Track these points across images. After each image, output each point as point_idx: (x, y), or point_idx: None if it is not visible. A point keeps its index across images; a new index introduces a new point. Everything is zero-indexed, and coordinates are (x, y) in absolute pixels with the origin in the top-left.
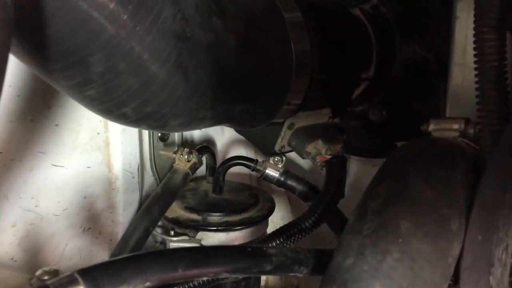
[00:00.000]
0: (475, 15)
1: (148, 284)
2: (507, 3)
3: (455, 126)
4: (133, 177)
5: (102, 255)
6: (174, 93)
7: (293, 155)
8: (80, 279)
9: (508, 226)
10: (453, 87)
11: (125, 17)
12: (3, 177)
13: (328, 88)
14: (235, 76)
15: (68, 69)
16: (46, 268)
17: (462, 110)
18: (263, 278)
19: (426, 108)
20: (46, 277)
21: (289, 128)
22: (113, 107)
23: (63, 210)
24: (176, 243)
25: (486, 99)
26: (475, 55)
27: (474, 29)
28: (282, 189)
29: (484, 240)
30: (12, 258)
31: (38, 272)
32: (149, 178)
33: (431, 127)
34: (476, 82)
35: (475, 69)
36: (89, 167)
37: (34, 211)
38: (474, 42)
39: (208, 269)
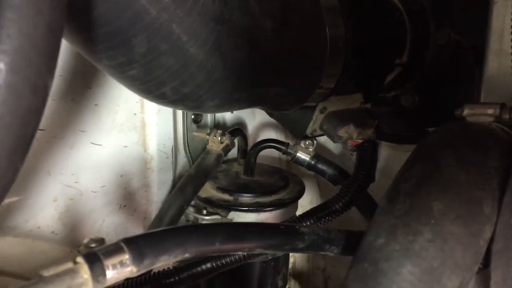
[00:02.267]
0: None
1: (187, 255)
2: None
3: (490, 111)
4: (167, 157)
5: (136, 232)
6: (211, 74)
7: (322, 139)
8: (125, 247)
9: None
10: (489, 73)
11: (164, 1)
12: (45, 154)
13: (361, 73)
14: (270, 59)
15: (112, 50)
16: (93, 237)
17: (497, 97)
18: (291, 261)
19: (459, 95)
20: (93, 245)
21: (321, 112)
22: (153, 87)
23: (101, 187)
24: (208, 222)
25: None
26: None
27: None
28: (311, 173)
29: None
30: (53, 232)
31: (85, 240)
32: (182, 158)
33: (466, 112)
34: None
35: None
36: (125, 147)
37: (74, 187)
38: None
39: (243, 244)
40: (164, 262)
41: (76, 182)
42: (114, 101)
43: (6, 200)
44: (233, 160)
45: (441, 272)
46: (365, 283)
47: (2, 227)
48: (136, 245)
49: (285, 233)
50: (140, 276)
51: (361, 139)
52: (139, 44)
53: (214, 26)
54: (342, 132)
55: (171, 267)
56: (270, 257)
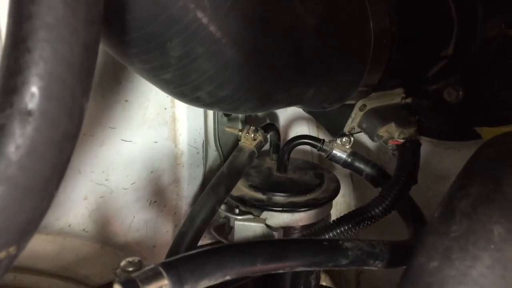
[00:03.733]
0: None
1: (228, 277)
2: None
3: None
4: (198, 153)
5: (166, 227)
6: (249, 77)
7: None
8: (164, 273)
9: None
10: None
11: (204, 2)
12: (75, 152)
13: (405, 68)
14: (311, 59)
15: (145, 54)
16: (130, 259)
17: None
18: None
19: (508, 92)
20: (130, 268)
21: (361, 109)
22: (188, 91)
23: (131, 184)
24: (241, 221)
25: None
26: None
27: None
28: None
29: None
30: (84, 229)
31: (122, 263)
32: (213, 153)
33: None
34: None
35: None
36: (156, 142)
37: (105, 184)
38: None
39: (285, 263)
40: (204, 286)
41: (106, 180)
42: (145, 96)
43: None
44: (265, 154)
45: None
46: None
47: None
48: (175, 270)
49: (328, 249)
50: None
51: (402, 139)
52: (174, 48)
53: (254, 27)
54: (382, 131)
55: None
56: None
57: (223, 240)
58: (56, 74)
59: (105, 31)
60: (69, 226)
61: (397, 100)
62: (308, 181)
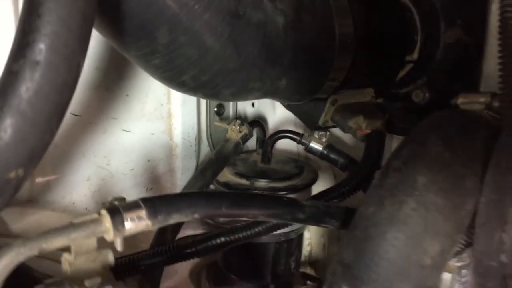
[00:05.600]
0: None
1: (196, 215)
2: None
3: (481, 100)
4: (191, 146)
5: None
6: (226, 64)
7: (339, 133)
8: (142, 205)
9: None
10: (487, 70)
11: None
12: (81, 138)
13: (371, 68)
14: (282, 52)
15: (138, 41)
16: (116, 196)
17: None
18: (307, 249)
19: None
20: (116, 202)
21: (332, 104)
22: (174, 75)
23: (130, 170)
24: None
25: (507, 71)
26: (499, 32)
27: (500, 7)
28: (328, 164)
29: (498, 200)
30: (86, 208)
31: (109, 199)
32: (205, 147)
33: (460, 100)
34: (499, 57)
35: (499, 45)
36: (153, 134)
37: (106, 168)
38: (499, 20)
39: (247, 210)
40: (176, 220)
41: (107, 164)
42: (144, 92)
43: (46, 178)
44: (253, 151)
45: (423, 238)
46: (356, 248)
47: (42, 202)
48: (152, 203)
49: (286, 204)
50: (163, 247)
51: (369, 130)
52: (161, 36)
53: (229, 21)
54: (352, 123)
55: (190, 240)
56: (283, 239)
57: (213, 223)
58: (59, 35)
59: (105, 21)
60: (73, 204)
61: (367, 98)
62: (289, 170)
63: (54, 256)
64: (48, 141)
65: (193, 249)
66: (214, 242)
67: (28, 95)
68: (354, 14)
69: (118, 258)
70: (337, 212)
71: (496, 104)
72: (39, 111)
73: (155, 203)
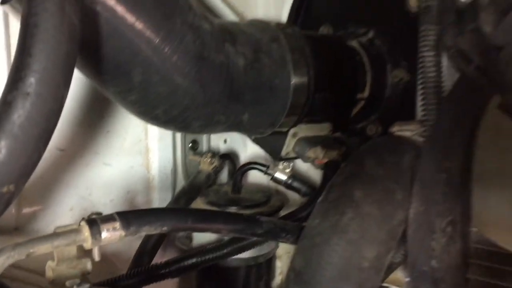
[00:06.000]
0: (418, 38)
1: (164, 228)
2: (442, 29)
3: (411, 127)
4: (167, 178)
5: (139, 241)
6: (194, 100)
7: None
8: (117, 217)
9: (447, 203)
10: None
11: (157, 41)
12: (65, 170)
13: (326, 105)
14: (243, 90)
15: (115, 79)
16: (94, 211)
17: None
18: (279, 278)
19: None
20: (94, 216)
21: (293, 136)
22: (148, 110)
23: (110, 200)
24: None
25: (428, 101)
26: (419, 68)
27: (418, 49)
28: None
29: (425, 211)
30: None
31: (89, 214)
32: (180, 180)
33: (394, 128)
34: (420, 89)
35: (419, 79)
36: (132, 167)
37: (88, 199)
38: (418, 59)
39: (211, 225)
40: (146, 232)
41: (89, 195)
42: (123, 128)
43: (32, 208)
44: (225, 184)
45: (360, 244)
46: (305, 255)
47: (28, 230)
48: (125, 216)
49: (246, 220)
50: (138, 268)
51: (326, 159)
52: (136, 75)
53: (195, 62)
54: (310, 153)
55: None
56: (252, 263)
57: (187, 249)
58: (47, 71)
59: (87, 62)
60: None
61: (325, 132)
62: (257, 199)
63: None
64: (36, 161)
65: (167, 270)
66: (186, 262)
67: (20, 121)
68: (307, 57)
69: (96, 283)
70: (292, 228)
71: (421, 129)
72: (29, 134)
73: (128, 216)
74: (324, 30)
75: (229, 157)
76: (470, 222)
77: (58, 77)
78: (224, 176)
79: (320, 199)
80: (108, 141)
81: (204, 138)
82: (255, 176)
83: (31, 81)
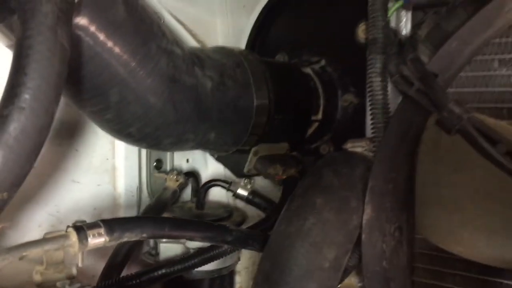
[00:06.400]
0: (367, 66)
1: (144, 235)
2: (387, 58)
3: (362, 143)
4: (133, 196)
5: (107, 254)
6: (166, 118)
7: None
8: (101, 224)
9: (395, 210)
10: (368, 124)
11: (133, 64)
12: (35, 187)
13: (284, 126)
14: (210, 110)
15: (93, 99)
16: (78, 219)
17: None
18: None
19: None
20: (79, 223)
21: (255, 154)
22: (123, 128)
23: (78, 217)
24: (165, 243)
25: (376, 121)
26: (368, 92)
27: (367, 75)
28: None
29: (376, 217)
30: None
31: (74, 221)
32: (145, 197)
33: (348, 145)
34: (370, 110)
35: (368, 101)
36: (99, 185)
37: (56, 216)
38: (367, 84)
39: (185, 233)
40: (128, 238)
41: (57, 212)
42: (91, 147)
43: (1, 225)
44: (188, 201)
45: (321, 246)
46: (272, 258)
47: None
48: (109, 223)
49: (217, 228)
50: (108, 281)
51: (285, 176)
52: (113, 95)
53: (168, 84)
54: (270, 170)
55: (133, 273)
56: (216, 275)
57: (153, 263)
58: (40, 88)
59: (68, 83)
60: None
61: (283, 151)
62: (219, 214)
63: None
64: (27, 171)
65: (137, 281)
66: (156, 273)
67: (15, 133)
68: (268, 81)
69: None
70: (258, 236)
71: (371, 146)
72: (23, 146)
73: (111, 223)
74: (280, 57)
75: (193, 174)
76: (414, 228)
77: (50, 94)
78: (186, 193)
79: (284, 208)
80: (76, 159)
81: (168, 157)
82: (215, 194)
83: (26, 97)
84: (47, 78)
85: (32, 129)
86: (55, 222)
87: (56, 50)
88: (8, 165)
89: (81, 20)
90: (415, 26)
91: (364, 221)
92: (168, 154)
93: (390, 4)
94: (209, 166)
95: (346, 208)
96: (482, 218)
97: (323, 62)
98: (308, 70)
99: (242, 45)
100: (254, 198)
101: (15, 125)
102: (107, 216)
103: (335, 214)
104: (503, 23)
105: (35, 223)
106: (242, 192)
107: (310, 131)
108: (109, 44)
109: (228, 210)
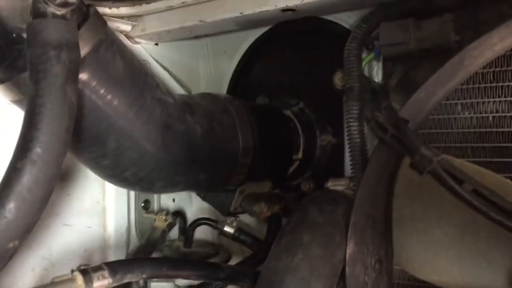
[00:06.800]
0: (344, 111)
1: (144, 275)
2: (363, 105)
3: (343, 182)
4: (122, 237)
5: None
6: (159, 162)
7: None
8: (105, 267)
9: (375, 244)
10: (347, 163)
11: (130, 115)
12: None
13: (267, 165)
14: (200, 153)
15: (91, 147)
16: (81, 264)
17: None
18: None
19: None
20: (83, 267)
21: (240, 193)
22: (118, 173)
23: (69, 259)
24: (155, 282)
25: (355, 161)
26: (346, 136)
27: (345, 120)
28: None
29: (359, 250)
30: None
31: (78, 265)
32: (134, 238)
33: (329, 184)
34: (349, 152)
35: (347, 144)
36: (89, 227)
37: (48, 259)
38: (345, 128)
39: (182, 272)
40: (129, 279)
41: (50, 255)
42: (83, 191)
43: None
44: (175, 240)
45: (309, 280)
46: None
47: None
48: (111, 266)
49: (211, 266)
50: None
51: (270, 213)
52: (111, 142)
53: (162, 130)
54: (256, 208)
55: None
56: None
57: None
58: (51, 143)
59: None
60: None
61: (267, 189)
62: (207, 252)
63: None
64: (37, 219)
65: None
66: None
67: (28, 185)
68: (252, 124)
69: None
70: (249, 273)
71: (351, 184)
72: (35, 196)
73: (114, 265)
74: (261, 100)
75: (181, 214)
76: (393, 260)
77: (60, 148)
78: (173, 231)
79: (274, 244)
80: (68, 203)
81: (155, 198)
82: (199, 231)
83: (38, 151)
84: (58, 133)
85: (44, 180)
86: (48, 265)
87: (65, 107)
88: (20, 214)
89: (84, 76)
90: (386, 76)
91: (347, 255)
92: (155, 195)
93: (363, 55)
94: (194, 205)
95: (331, 243)
96: (454, 248)
97: (301, 105)
98: (288, 112)
99: (224, 88)
100: (240, 235)
101: (28, 177)
102: (97, 257)
103: (321, 249)
104: (464, 75)
105: (29, 267)
106: (228, 229)
107: (292, 169)
108: (109, 97)
109: (215, 248)
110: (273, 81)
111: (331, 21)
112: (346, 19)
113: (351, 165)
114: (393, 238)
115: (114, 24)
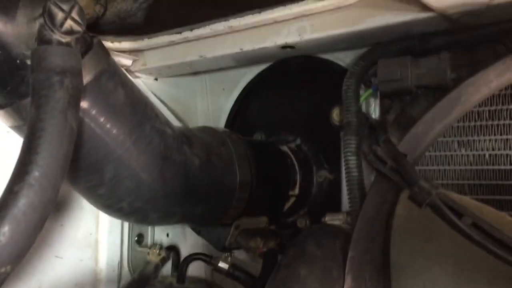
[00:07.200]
0: (342, 146)
1: None
2: (361, 140)
3: (340, 217)
4: (114, 271)
5: None
6: (156, 193)
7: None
8: None
9: (373, 279)
10: (344, 197)
11: (128, 144)
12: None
13: (264, 200)
14: (197, 185)
15: (89, 175)
16: None
17: None
18: None
19: None
20: None
21: (236, 228)
22: (114, 202)
23: None
24: None
25: (353, 195)
26: (344, 170)
27: (343, 154)
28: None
29: (357, 285)
30: None
31: None
32: (126, 272)
33: (326, 218)
34: (346, 186)
35: (345, 178)
36: (81, 260)
37: None
38: (343, 162)
39: None
40: None
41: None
42: (76, 222)
43: None
44: (168, 276)
45: None
46: None
47: None
48: None
49: None
50: None
51: (265, 249)
52: (108, 172)
53: (159, 161)
54: (251, 243)
55: None
56: None
57: None
58: (49, 167)
59: None
60: None
61: (262, 225)
62: None
63: None
64: (31, 244)
65: None
66: None
67: (24, 208)
68: (250, 158)
69: None
70: None
71: (348, 219)
72: (30, 220)
73: None
74: (258, 136)
75: (174, 248)
76: None
77: (58, 172)
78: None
79: (270, 278)
80: (61, 234)
81: (149, 231)
82: (192, 267)
83: (36, 175)
84: (56, 157)
85: (40, 204)
86: None
87: (66, 132)
88: (14, 238)
89: (84, 104)
90: (384, 112)
91: None
92: (149, 228)
93: (361, 92)
94: (188, 240)
95: (328, 278)
96: (452, 285)
97: (298, 141)
98: (285, 148)
99: (221, 124)
100: (235, 271)
101: (24, 201)
102: None
103: (318, 283)
104: (461, 110)
105: None
106: (223, 265)
107: (288, 205)
108: (108, 125)
109: (208, 284)
110: (270, 117)
111: (328, 60)
112: (343, 58)
113: (348, 199)
114: (391, 273)
115: (116, 58)
